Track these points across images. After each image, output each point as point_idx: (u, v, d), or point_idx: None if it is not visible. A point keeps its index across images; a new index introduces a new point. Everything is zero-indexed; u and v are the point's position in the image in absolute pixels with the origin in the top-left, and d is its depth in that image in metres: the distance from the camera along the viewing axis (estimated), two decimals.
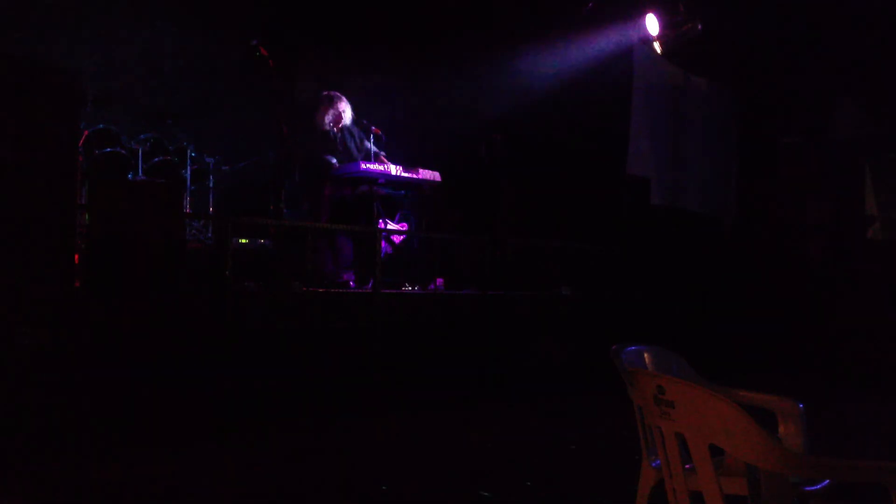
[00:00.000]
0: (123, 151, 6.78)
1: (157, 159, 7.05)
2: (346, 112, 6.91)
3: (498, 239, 7.18)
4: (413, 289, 6.88)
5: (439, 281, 7.10)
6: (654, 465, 2.59)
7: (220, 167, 7.94)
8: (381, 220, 6.74)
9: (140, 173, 6.92)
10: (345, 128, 6.95)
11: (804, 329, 8.78)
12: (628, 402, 2.53)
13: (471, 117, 8.72)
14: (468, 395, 6.19)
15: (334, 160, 6.68)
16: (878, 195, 9.26)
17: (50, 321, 4.38)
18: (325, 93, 7.00)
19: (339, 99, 6.93)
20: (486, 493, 3.82)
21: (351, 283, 6.60)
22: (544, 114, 8.95)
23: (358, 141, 6.98)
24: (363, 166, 6.43)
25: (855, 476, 1.84)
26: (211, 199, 7.92)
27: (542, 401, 6.38)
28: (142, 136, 7.15)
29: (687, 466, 2.08)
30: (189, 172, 7.49)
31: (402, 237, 7.07)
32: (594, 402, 6.27)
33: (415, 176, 6.69)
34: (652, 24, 8.77)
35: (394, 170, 6.54)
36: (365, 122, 6.97)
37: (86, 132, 6.65)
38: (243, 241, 7.22)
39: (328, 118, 6.86)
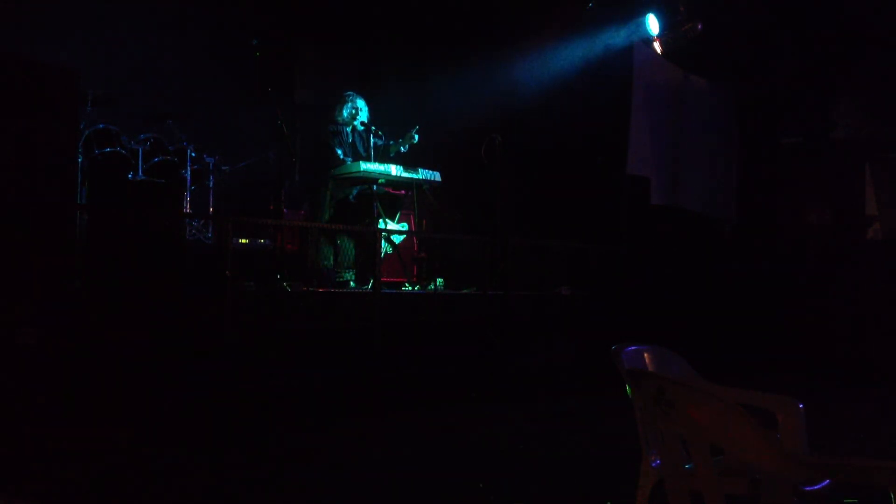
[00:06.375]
0: (123, 151, 6.77)
1: (157, 159, 7.04)
2: (363, 112, 7.00)
3: (498, 239, 7.17)
4: (413, 289, 6.88)
5: (439, 281, 7.10)
6: (654, 465, 2.59)
7: (220, 167, 7.93)
8: (380, 220, 6.75)
9: (140, 173, 6.91)
10: (356, 128, 7.02)
11: (804, 329, 8.78)
12: (628, 402, 2.53)
13: (471, 117, 8.71)
14: (468, 395, 6.19)
15: (341, 153, 6.75)
16: (878, 195, 9.26)
17: (50, 321, 4.38)
18: (346, 92, 7.19)
19: (359, 98, 7.06)
20: (486, 493, 3.82)
21: (351, 282, 6.60)
22: (545, 114, 8.94)
23: (365, 142, 7.04)
24: (363, 166, 6.45)
25: (855, 476, 1.84)
26: (211, 199, 7.91)
27: (542, 401, 6.38)
28: (142, 136, 7.14)
29: (687, 466, 2.09)
30: (189, 172, 7.48)
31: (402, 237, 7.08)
32: (594, 402, 6.27)
33: (415, 176, 6.71)
34: (652, 24, 8.78)
35: (394, 170, 6.56)
36: (366, 121, 7.02)
37: (86, 132, 6.64)
38: (243, 241, 7.22)
39: (346, 113, 6.94)
